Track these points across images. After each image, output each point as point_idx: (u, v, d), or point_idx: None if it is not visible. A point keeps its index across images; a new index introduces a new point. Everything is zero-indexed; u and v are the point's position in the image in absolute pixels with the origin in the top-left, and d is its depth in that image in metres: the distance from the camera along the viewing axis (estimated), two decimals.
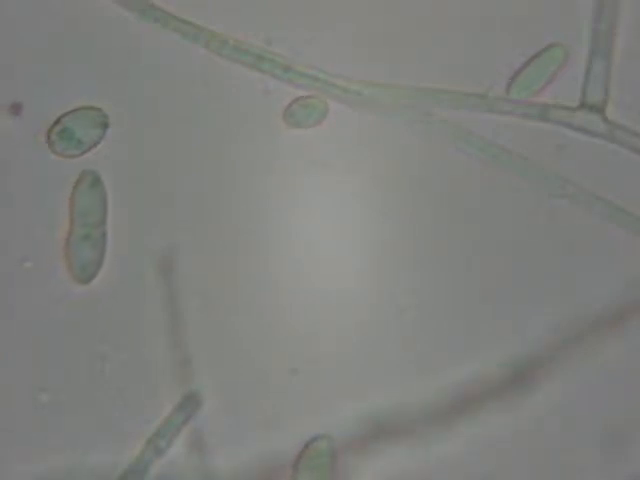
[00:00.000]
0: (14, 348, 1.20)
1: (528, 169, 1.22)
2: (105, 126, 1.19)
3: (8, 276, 1.19)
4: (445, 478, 1.22)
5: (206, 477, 1.20)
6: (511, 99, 1.21)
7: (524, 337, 1.22)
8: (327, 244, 1.22)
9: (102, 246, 1.18)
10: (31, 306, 1.19)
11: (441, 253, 1.23)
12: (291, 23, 1.21)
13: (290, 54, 1.20)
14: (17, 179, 1.20)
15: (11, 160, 1.20)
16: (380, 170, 1.22)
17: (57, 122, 1.19)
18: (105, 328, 1.20)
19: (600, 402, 1.23)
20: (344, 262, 1.22)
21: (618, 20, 1.21)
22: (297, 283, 1.22)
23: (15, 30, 1.20)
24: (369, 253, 1.22)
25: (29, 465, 1.19)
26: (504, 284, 1.23)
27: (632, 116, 1.22)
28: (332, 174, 1.22)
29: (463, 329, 1.22)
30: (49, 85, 1.20)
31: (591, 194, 1.22)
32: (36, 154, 1.19)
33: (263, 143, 1.22)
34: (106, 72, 1.20)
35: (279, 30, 1.21)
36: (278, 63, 1.20)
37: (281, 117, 1.21)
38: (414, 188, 1.23)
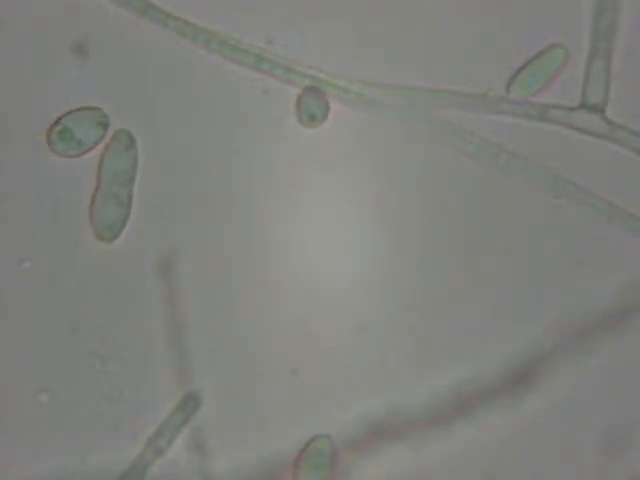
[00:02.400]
0: (14, 348, 1.20)
1: (528, 169, 1.22)
2: (105, 126, 1.19)
3: (7, 276, 1.19)
4: (445, 478, 1.22)
5: (206, 477, 1.20)
6: (511, 99, 1.21)
7: (524, 337, 1.22)
8: (327, 244, 1.22)
9: (128, 206, 1.18)
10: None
11: (441, 253, 1.23)
12: (291, 23, 1.21)
13: (290, 54, 1.20)
14: (17, 179, 1.20)
15: (11, 160, 1.20)
16: (380, 170, 1.22)
17: (57, 122, 1.19)
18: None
19: (600, 402, 1.23)
20: (344, 262, 1.22)
21: (618, 20, 1.21)
22: (297, 283, 1.22)
23: (15, 30, 1.20)
24: (369, 253, 1.22)
25: (29, 465, 1.19)
26: (504, 284, 1.23)
27: (632, 116, 1.22)
28: (332, 174, 1.22)
29: (463, 329, 1.22)
30: (49, 85, 1.20)
31: (591, 194, 1.22)
32: (36, 154, 1.19)
33: (263, 143, 1.22)
34: (106, 72, 1.20)
35: (279, 30, 1.21)
36: (278, 63, 1.20)
37: (288, 115, 1.21)
38: (414, 188, 1.23)
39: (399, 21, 1.22)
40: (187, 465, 1.20)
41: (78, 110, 1.19)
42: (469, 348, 1.22)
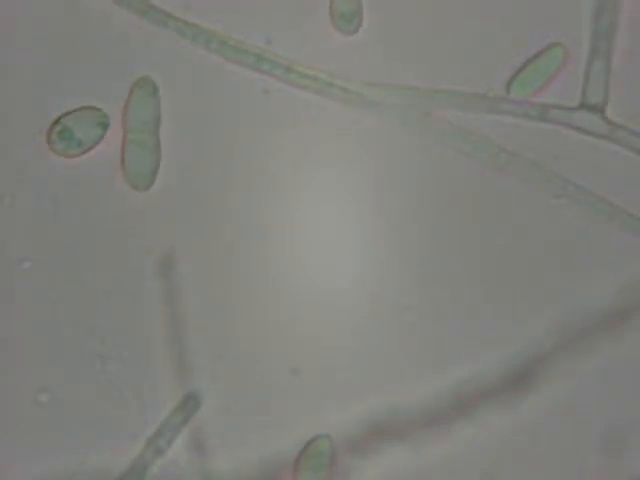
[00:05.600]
0: (14, 348, 1.20)
1: (528, 169, 1.22)
2: (105, 126, 1.19)
3: (7, 276, 1.19)
4: (445, 478, 1.22)
5: (206, 477, 1.20)
6: (511, 99, 1.21)
7: (524, 337, 1.22)
8: (327, 244, 1.22)
9: (158, 153, 1.18)
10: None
11: (441, 253, 1.23)
12: (291, 23, 1.21)
13: (290, 54, 1.20)
14: (17, 179, 1.20)
15: (12, 160, 1.20)
16: (380, 170, 1.22)
17: (57, 122, 1.19)
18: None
19: (600, 402, 1.23)
20: (344, 262, 1.22)
21: (618, 20, 1.21)
22: (297, 283, 1.22)
23: (15, 30, 1.20)
24: (369, 253, 1.22)
25: (29, 465, 1.19)
26: (504, 284, 1.23)
27: (632, 116, 1.22)
28: (332, 173, 1.22)
29: (463, 329, 1.22)
30: (49, 85, 1.20)
31: (591, 194, 1.22)
32: (36, 154, 1.19)
33: (263, 143, 1.22)
34: (106, 72, 1.20)
35: (279, 30, 1.21)
36: (278, 63, 1.20)
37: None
38: (414, 188, 1.23)
39: (399, 21, 1.22)
40: (187, 465, 1.20)
41: (78, 110, 1.19)
42: (469, 348, 1.22)
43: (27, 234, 1.20)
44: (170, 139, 1.21)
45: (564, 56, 1.21)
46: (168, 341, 1.20)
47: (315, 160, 1.22)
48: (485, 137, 1.21)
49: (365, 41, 1.21)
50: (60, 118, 1.19)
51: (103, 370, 1.20)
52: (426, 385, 1.21)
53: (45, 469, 1.19)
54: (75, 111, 1.19)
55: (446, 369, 1.21)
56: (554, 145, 1.22)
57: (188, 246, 1.21)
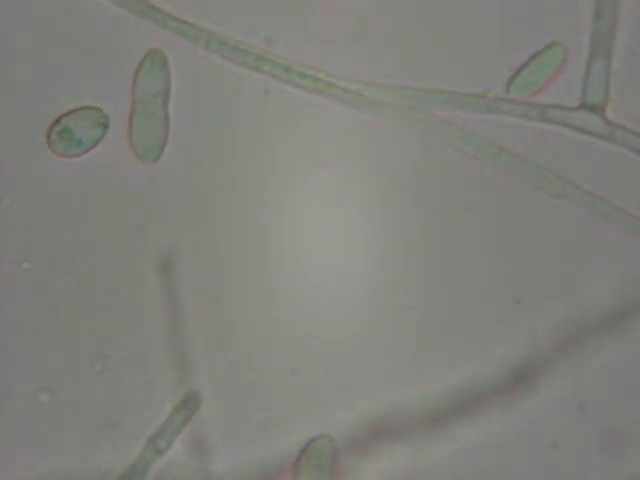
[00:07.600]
0: (14, 348, 1.20)
1: (528, 169, 1.22)
2: (105, 126, 1.19)
3: (7, 276, 1.19)
4: (445, 478, 1.22)
5: (206, 477, 1.20)
6: (511, 99, 1.21)
7: (524, 337, 1.22)
8: (327, 244, 1.22)
9: (166, 126, 1.18)
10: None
11: (441, 253, 1.23)
12: (291, 23, 1.21)
13: (290, 54, 1.20)
14: (17, 179, 1.20)
15: (12, 160, 1.20)
16: (380, 170, 1.22)
17: (57, 122, 1.19)
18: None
19: (600, 402, 1.23)
20: (344, 262, 1.22)
21: (618, 20, 1.21)
22: (297, 283, 1.22)
23: (15, 30, 1.20)
24: (369, 253, 1.22)
25: (29, 465, 1.19)
26: (504, 284, 1.23)
27: (632, 116, 1.22)
28: (332, 173, 1.22)
29: (463, 329, 1.22)
30: (49, 85, 1.20)
31: (591, 194, 1.22)
32: (36, 154, 1.19)
33: (263, 143, 1.22)
34: (106, 72, 1.20)
35: (279, 30, 1.21)
36: (278, 63, 1.20)
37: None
38: (414, 188, 1.23)
39: (399, 21, 1.22)
40: (187, 465, 1.20)
41: (78, 110, 1.19)
42: (469, 348, 1.22)
43: (27, 234, 1.20)
44: (169, 139, 1.21)
45: (564, 56, 1.21)
46: (168, 341, 1.20)
47: (315, 160, 1.22)
48: (485, 137, 1.21)
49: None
50: (60, 118, 1.19)
51: (103, 370, 1.20)
52: (426, 385, 1.21)
53: (45, 469, 1.19)
54: (75, 111, 1.19)
55: (446, 369, 1.21)
56: (554, 145, 1.22)
57: (187, 248, 1.21)
